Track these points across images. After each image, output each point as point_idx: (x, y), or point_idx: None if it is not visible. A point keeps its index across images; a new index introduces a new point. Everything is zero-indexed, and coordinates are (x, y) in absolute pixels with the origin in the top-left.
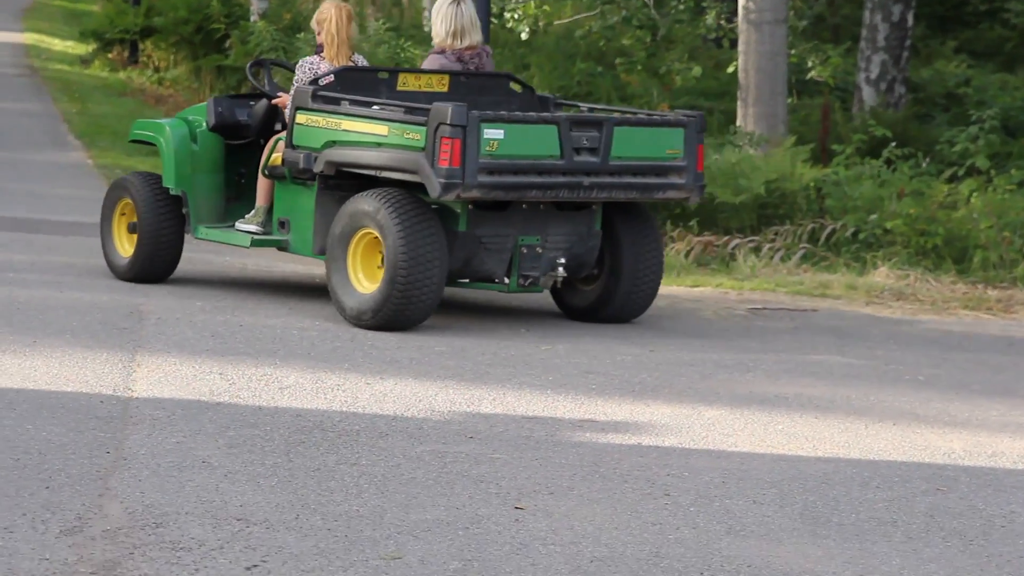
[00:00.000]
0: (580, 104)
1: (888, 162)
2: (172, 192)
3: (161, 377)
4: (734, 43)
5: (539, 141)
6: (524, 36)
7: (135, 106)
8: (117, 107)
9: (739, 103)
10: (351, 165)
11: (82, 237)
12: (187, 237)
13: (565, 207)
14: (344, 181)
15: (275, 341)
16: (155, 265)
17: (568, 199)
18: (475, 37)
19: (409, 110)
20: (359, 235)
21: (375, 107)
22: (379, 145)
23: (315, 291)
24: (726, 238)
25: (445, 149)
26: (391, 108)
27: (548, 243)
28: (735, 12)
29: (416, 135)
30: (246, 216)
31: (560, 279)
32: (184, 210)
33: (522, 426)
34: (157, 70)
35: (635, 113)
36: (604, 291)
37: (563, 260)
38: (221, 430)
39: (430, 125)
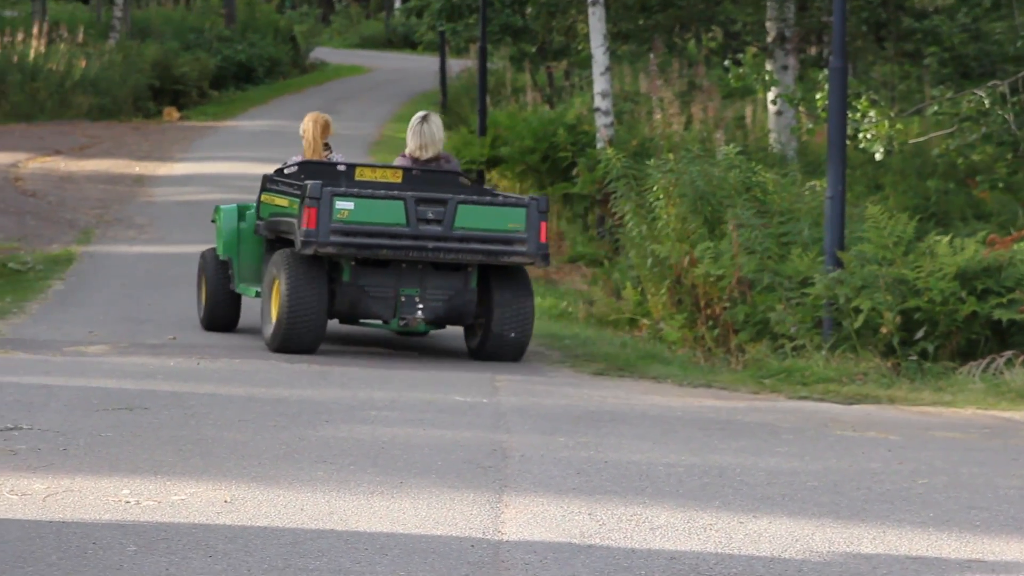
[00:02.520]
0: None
1: None
2: (221, 258)
3: (530, 518)
4: None
5: (387, 212)
6: (878, 156)
7: None
8: None
9: None
10: (272, 229)
11: (440, 372)
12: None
13: (442, 267)
14: (284, 244)
15: (642, 478)
16: (217, 315)
17: (416, 258)
18: (435, 150)
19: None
20: (276, 283)
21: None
22: (285, 214)
23: (677, 425)
24: None
25: (305, 215)
26: (287, 186)
27: (427, 295)
28: None
29: (295, 205)
30: None
31: (419, 321)
32: (229, 271)
33: (906, 567)
34: None
35: (483, 194)
36: (483, 336)
37: (421, 306)
38: (595, 575)
39: (301, 198)
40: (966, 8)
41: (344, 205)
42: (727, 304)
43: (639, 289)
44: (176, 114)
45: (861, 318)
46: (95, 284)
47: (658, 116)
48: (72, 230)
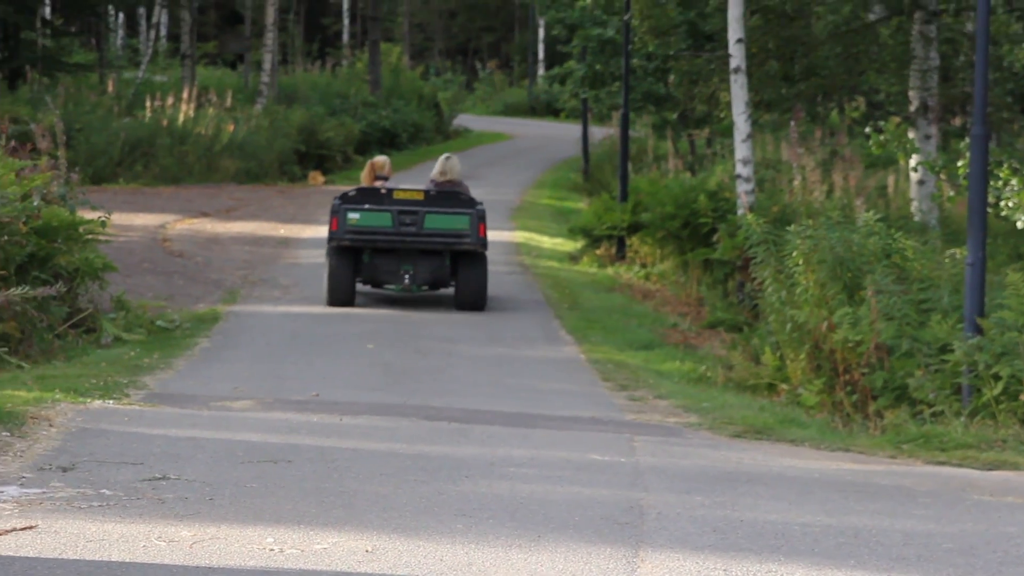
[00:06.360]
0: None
1: None
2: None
3: (665, 573)
4: None
5: (381, 219)
6: (1020, 224)
7: (623, 301)
8: (606, 302)
9: None
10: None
11: (578, 432)
12: None
13: (427, 253)
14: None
15: (777, 537)
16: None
17: (400, 247)
18: (451, 176)
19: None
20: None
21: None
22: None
23: (814, 487)
24: None
25: (332, 222)
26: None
27: (418, 269)
28: None
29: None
30: None
31: (410, 286)
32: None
33: None
34: (644, 265)
35: (444, 208)
36: (457, 296)
37: (408, 276)
38: None
39: (331, 211)
40: None
41: (353, 215)
42: (865, 370)
43: (778, 354)
44: (321, 178)
45: (1000, 385)
46: (240, 342)
47: (798, 183)
48: (218, 290)
